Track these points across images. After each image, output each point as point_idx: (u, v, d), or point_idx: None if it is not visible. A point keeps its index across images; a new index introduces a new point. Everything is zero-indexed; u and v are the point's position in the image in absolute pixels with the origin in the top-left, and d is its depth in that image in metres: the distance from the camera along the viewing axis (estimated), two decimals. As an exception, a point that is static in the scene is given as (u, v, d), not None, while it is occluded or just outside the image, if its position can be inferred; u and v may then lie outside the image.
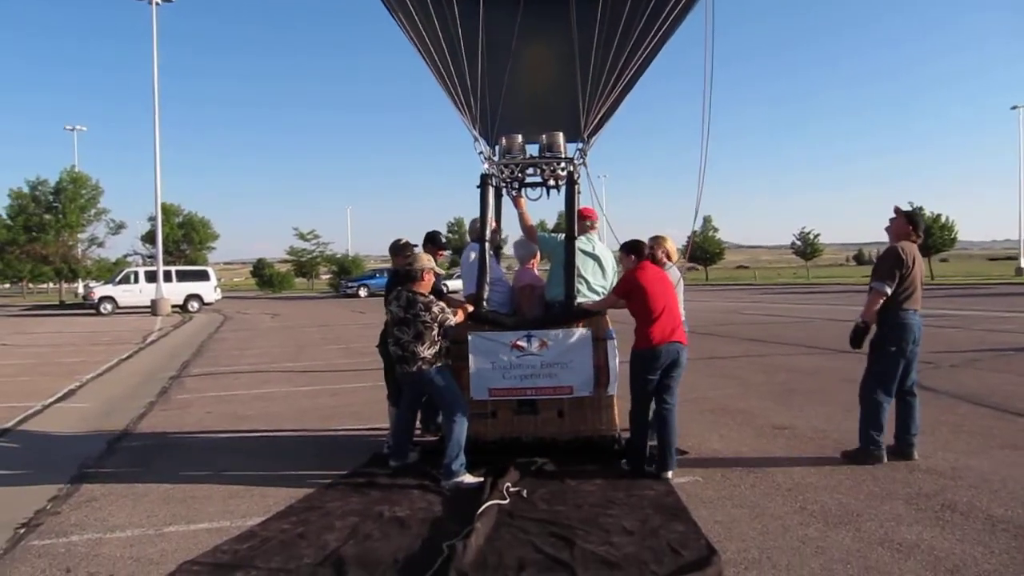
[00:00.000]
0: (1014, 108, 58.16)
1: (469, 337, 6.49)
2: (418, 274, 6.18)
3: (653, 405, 6.17)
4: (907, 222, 6.42)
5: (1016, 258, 63.02)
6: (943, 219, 54.65)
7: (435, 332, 6.04)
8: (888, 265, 6.23)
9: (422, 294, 6.13)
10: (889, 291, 6.17)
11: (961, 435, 7.23)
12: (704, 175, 7.04)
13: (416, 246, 7.40)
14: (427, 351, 6.03)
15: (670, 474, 6.02)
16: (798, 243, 71.56)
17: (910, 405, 6.46)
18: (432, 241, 7.39)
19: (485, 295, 6.80)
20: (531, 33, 7.66)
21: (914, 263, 6.26)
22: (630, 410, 6.22)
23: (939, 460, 6.36)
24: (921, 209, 54.58)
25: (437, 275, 6.86)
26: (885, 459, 6.21)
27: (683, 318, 7.06)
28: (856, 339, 6.37)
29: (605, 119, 7.34)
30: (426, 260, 6.27)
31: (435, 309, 6.02)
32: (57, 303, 47.04)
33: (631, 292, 6.18)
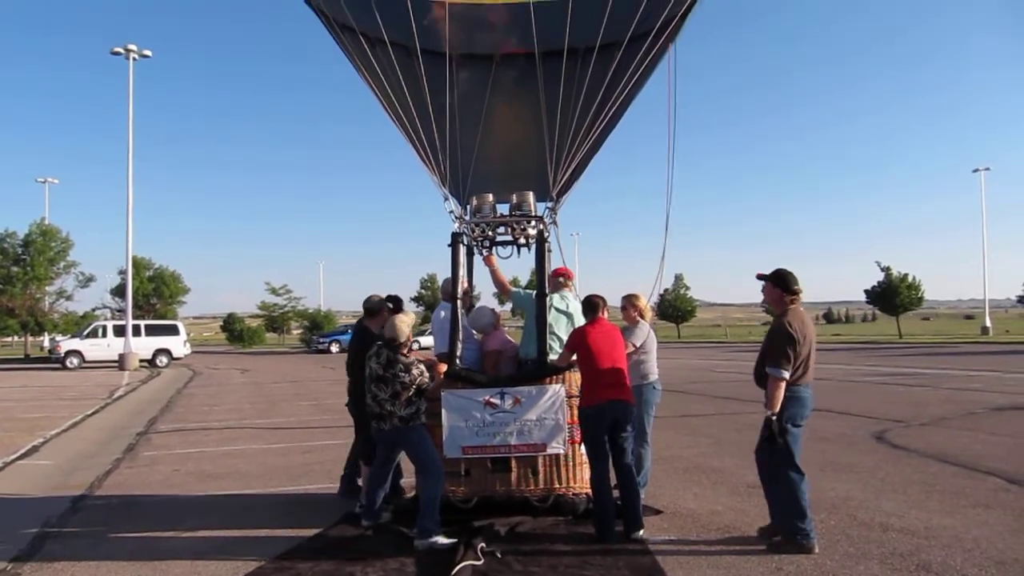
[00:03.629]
0: (975, 171, 59.65)
1: (442, 395, 6.46)
2: (403, 347, 6.14)
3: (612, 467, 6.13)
4: (775, 286, 5.85)
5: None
6: (910, 279, 55.59)
7: (411, 393, 6.00)
8: (781, 347, 5.65)
9: (403, 355, 6.10)
10: (787, 375, 5.61)
11: (933, 494, 7.26)
12: (669, 227, 7.20)
13: (390, 300, 7.42)
14: (403, 411, 6.00)
15: (641, 533, 5.97)
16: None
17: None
18: (392, 304, 7.42)
19: (458, 353, 6.79)
20: (500, 93, 7.82)
21: (805, 337, 5.68)
22: (589, 476, 6.20)
23: (912, 519, 6.37)
24: (888, 269, 55.67)
25: None
26: (816, 548, 5.54)
27: (656, 374, 7.10)
28: (779, 433, 5.68)
29: (574, 178, 7.44)
30: (407, 328, 6.20)
31: (414, 372, 5.98)
32: (22, 357, 46.22)
33: (577, 348, 6.22)
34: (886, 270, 56.32)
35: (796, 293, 5.78)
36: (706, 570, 5.25)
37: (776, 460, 5.75)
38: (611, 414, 6.04)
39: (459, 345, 6.83)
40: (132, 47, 34.34)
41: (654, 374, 7.12)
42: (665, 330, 75.93)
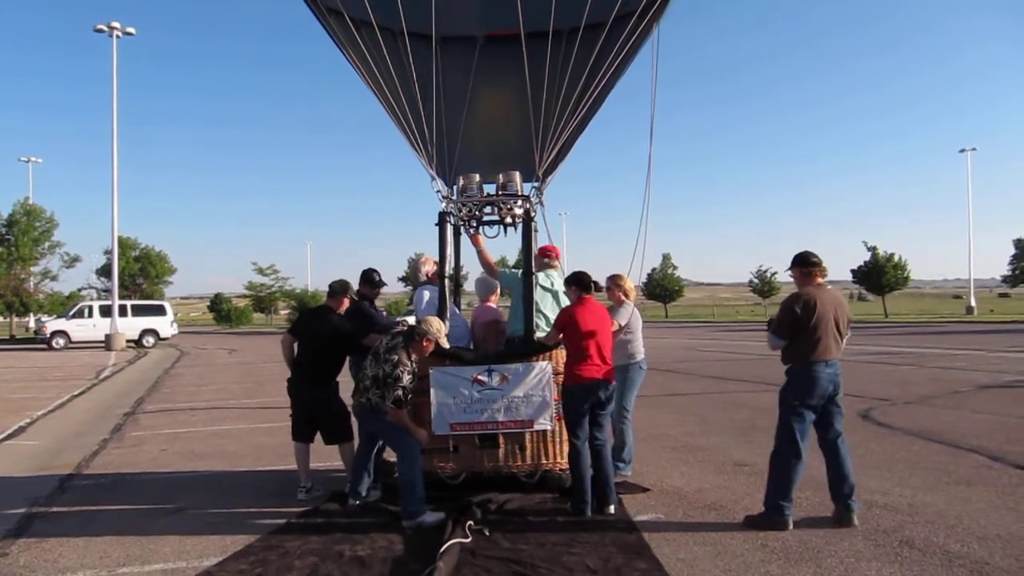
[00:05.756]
0: (962, 151, 59.88)
1: (430, 372, 6.47)
2: (419, 339, 6.10)
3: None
4: (792, 268, 5.97)
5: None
6: (896, 258, 55.89)
7: (396, 391, 5.95)
8: (779, 317, 5.85)
9: (408, 354, 6.05)
10: (780, 343, 5.81)
11: (917, 471, 7.34)
12: (648, 206, 7.21)
13: (376, 272, 7.40)
14: (374, 395, 6.01)
15: (611, 509, 6.06)
16: (755, 281, 72.75)
17: (834, 459, 5.79)
18: (367, 280, 7.41)
19: (446, 331, 6.81)
20: (486, 74, 7.80)
21: (815, 310, 5.68)
22: (568, 452, 6.24)
23: (896, 496, 6.44)
24: (875, 248, 55.93)
25: (380, 312, 7.26)
26: (790, 526, 5.58)
27: (642, 353, 7.16)
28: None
29: (560, 158, 7.44)
30: (435, 329, 6.15)
31: (398, 372, 5.92)
32: (7, 337, 45.95)
33: (565, 327, 6.22)
34: (872, 249, 56.62)
35: (809, 266, 5.86)
36: (692, 547, 5.29)
37: (777, 437, 5.83)
38: (595, 393, 6.09)
39: (447, 323, 6.85)
40: (116, 24, 33.95)
41: (640, 353, 7.18)
42: (652, 309, 76.23)
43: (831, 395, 5.74)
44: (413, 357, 6.10)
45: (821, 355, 5.69)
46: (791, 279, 6.05)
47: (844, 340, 5.86)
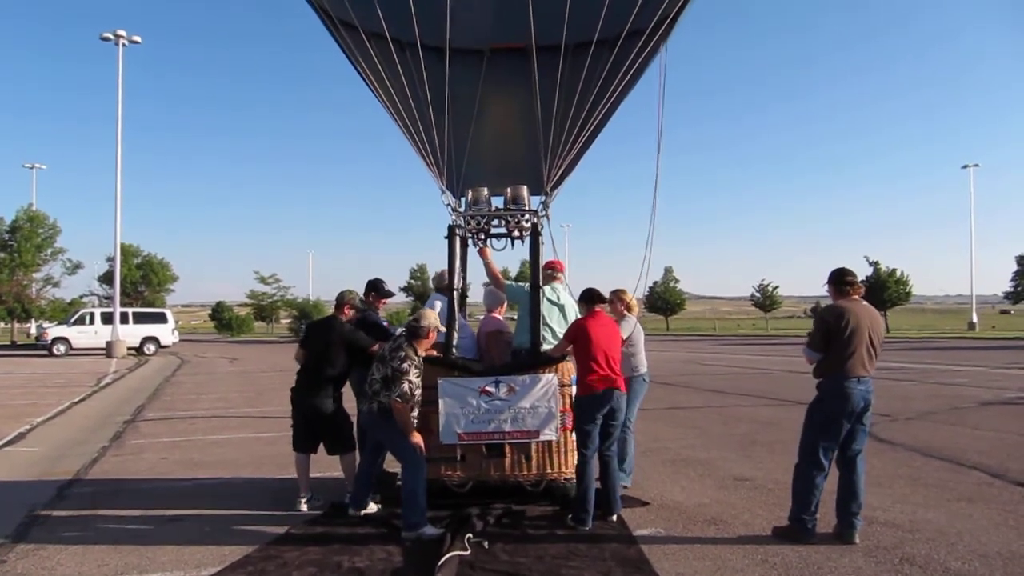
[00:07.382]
0: (965, 167, 59.92)
1: (439, 382, 6.50)
2: (424, 332, 6.16)
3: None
4: (831, 283, 5.92)
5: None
6: (898, 274, 55.90)
7: (402, 384, 5.96)
8: (813, 330, 5.87)
9: (414, 350, 6.10)
10: (815, 356, 5.78)
11: (918, 488, 7.32)
12: (654, 225, 7.23)
13: (383, 282, 7.43)
14: (386, 398, 6.00)
15: (615, 517, 6.14)
16: (757, 295, 72.76)
17: (849, 477, 5.77)
18: (375, 290, 7.44)
19: (454, 342, 6.84)
20: (495, 88, 7.83)
21: (851, 324, 5.64)
22: (576, 463, 6.26)
23: (897, 513, 6.42)
24: (877, 264, 55.95)
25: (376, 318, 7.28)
26: (810, 542, 5.59)
27: (645, 367, 7.18)
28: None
29: (567, 173, 7.46)
30: (434, 319, 6.26)
31: (405, 366, 5.96)
32: (8, 343, 45.96)
33: (576, 339, 6.28)
34: (874, 265, 56.63)
35: (844, 284, 5.84)
36: (692, 562, 5.28)
37: (800, 449, 5.84)
38: (607, 402, 6.14)
39: (455, 335, 6.88)
40: (122, 33, 34.08)
41: (643, 366, 7.20)
42: (654, 323, 76.19)
43: (860, 412, 5.69)
44: (420, 352, 6.16)
45: (853, 370, 5.65)
46: (827, 294, 6.03)
47: (877, 356, 5.82)
